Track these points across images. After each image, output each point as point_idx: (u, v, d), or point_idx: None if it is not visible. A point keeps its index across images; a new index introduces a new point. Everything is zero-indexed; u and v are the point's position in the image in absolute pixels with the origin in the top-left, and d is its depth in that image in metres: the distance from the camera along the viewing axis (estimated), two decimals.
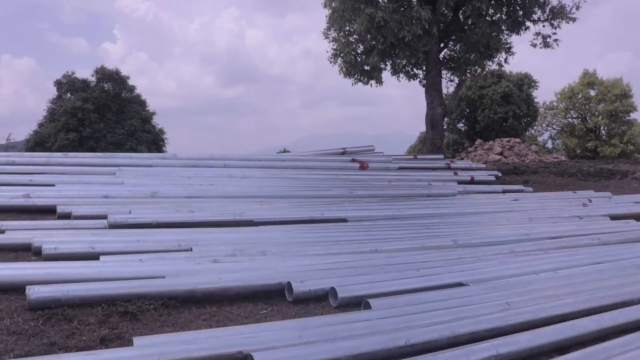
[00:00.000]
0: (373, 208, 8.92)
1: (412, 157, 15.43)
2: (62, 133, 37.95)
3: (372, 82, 17.42)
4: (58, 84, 40.84)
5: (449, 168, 15.14)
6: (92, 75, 41.36)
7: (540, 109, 43.09)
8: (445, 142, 55.53)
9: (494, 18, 16.39)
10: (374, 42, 15.96)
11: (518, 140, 36.59)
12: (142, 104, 44.28)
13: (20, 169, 9.74)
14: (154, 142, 43.67)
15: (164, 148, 45.39)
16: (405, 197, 10.87)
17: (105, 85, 41.57)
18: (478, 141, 36.70)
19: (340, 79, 17.67)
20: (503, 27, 16.39)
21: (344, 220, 7.98)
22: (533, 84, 41.56)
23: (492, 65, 18.73)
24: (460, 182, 13.31)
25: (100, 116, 39.75)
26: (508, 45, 17.68)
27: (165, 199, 8.55)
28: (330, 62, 17.59)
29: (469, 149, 37.59)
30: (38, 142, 38.30)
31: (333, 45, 17.72)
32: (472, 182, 13.89)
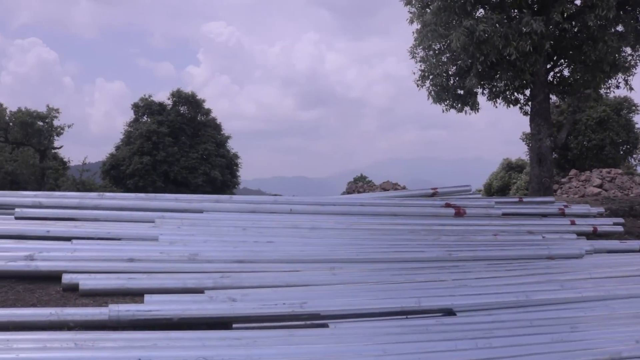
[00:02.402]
0: (487, 288, 6.43)
1: (517, 200, 12.65)
2: (136, 156, 37.66)
3: (467, 108, 14.87)
4: (135, 106, 40.87)
5: (563, 214, 12.23)
6: (169, 99, 41.15)
7: None
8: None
9: (620, 30, 13.46)
10: (470, 61, 13.46)
11: (619, 171, 32.47)
12: (217, 127, 43.61)
13: (43, 214, 8.02)
14: (227, 166, 42.80)
15: (237, 173, 44.46)
16: (519, 261, 8.30)
17: (181, 109, 41.20)
18: (573, 171, 32.91)
19: (419, 102, 15.27)
20: (632, 41, 13.42)
21: (449, 312, 5.56)
22: (634, 108, 37.24)
23: (610, 89, 15.66)
24: (579, 234, 10.52)
25: (175, 140, 39.26)
26: (627, 64, 14.60)
27: (206, 264, 6.48)
28: (418, 86, 15.22)
29: (562, 180, 33.84)
30: (113, 166, 38.23)
31: (420, 65, 15.36)
32: (595, 233, 11.02)
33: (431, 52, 14.98)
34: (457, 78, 14.37)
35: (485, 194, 58.40)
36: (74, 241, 6.62)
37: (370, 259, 7.55)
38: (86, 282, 5.52)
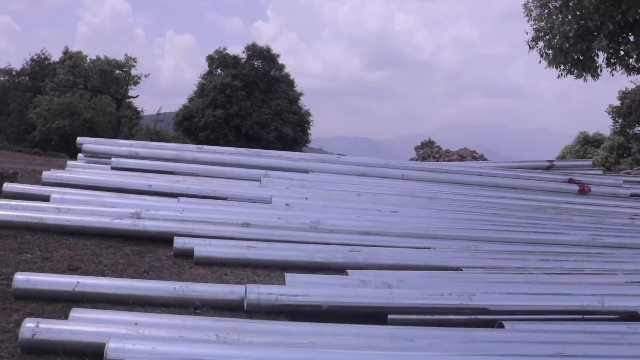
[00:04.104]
0: None
1: None
2: (209, 109, 37.38)
3: (586, 75, 13.18)
4: (210, 59, 40.41)
5: None
6: (243, 52, 40.43)
7: None
8: (609, 144, 48.08)
9: None
10: (601, 21, 11.74)
11: None
12: (290, 83, 42.69)
13: (142, 165, 7.37)
14: (299, 123, 41.99)
15: (308, 131, 43.67)
16: None
17: (255, 63, 40.44)
18: None
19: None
20: None
21: (634, 316, 4.45)
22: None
23: None
24: None
25: (248, 94, 38.66)
26: None
27: (330, 234, 5.61)
28: (529, 47, 13.61)
29: None
30: (186, 117, 38.15)
31: (534, 24, 13.69)
32: None
33: (549, 10, 13.29)
34: (579, 40, 12.65)
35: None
36: (181, 199, 5.86)
37: (508, 239, 6.48)
38: (201, 248, 4.75)
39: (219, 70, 40.19)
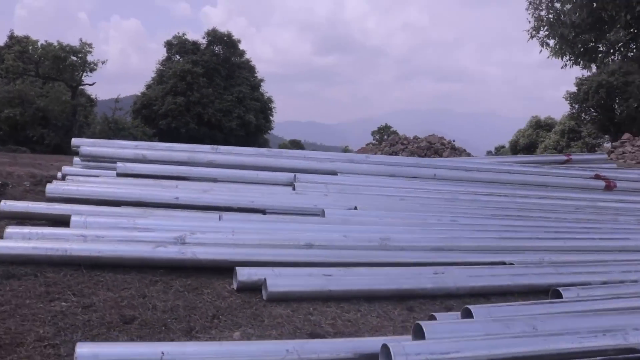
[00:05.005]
0: None
1: None
2: (169, 96, 35.79)
3: (593, 66, 12.78)
4: (168, 44, 38.65)
5: None
6: (203, 38, 38.84)
7: None
8: (560, 128, 49.10)
9: None
10: (616, 11, 11.27)
11: None
12: (252, 69, 41.44)
13: (151, 170, 6.34)
14: (261, 110, 40.88)
15: (271, 117, 42.61)
16: None
17: (216, 49, 38.94)
18: (626, 135, 30.83)
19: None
20: None
21: None
22: None
23: None
24: None
25: (209, 81, 37.21)
26: None
27: (401, 252, 4.82)
28: (530, 36, 13.09)
29: (615, 144, 31.91)
30: (145, 105, 36.41)
31: (535, 13, 13.17)
32: None
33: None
34: (587, 30, 12.14)
35: (511, 151, 56.47)
36: (222, 215, 4.91)
37: (579, 248, 5.84)
38: (274, 281, 3.85)
39: (177, 57, 38.48)
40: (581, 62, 12.74)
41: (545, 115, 46.90)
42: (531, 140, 53.49)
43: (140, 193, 5.30)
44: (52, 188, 5.17)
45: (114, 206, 5.12)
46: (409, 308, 4.12)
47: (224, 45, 39.03)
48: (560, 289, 4.61)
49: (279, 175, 6.74)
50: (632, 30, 11.61)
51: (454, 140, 34.87)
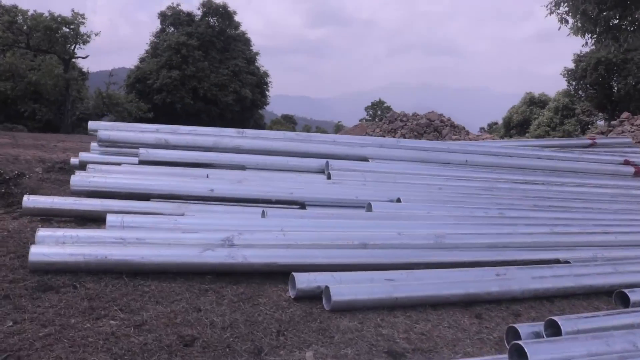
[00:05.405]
0: None
1: None
2: (164, 70, 34.95)
3: (616, 46, 12.33)
4: (162, 16, 37.61)
5: None
6: (198, 9, 37.84)
7: None
8: (554, 105, 48.89)
9: None
10: None
11: None
12: (247, 42, 40.55)
13: (175, 156, 5.93)
14: (257, 85, 40.15)
15: (267, 92, 41.92)
16: None
17: (211, 20, 37.97)
18: (625, 114, 30.59)
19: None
20: None
21: None
22: None
23: None
24: None
25: (205, 54, 36.35)
26: None
27: (457, 251, 4.48)
28: (550, 11, 12.59)
29: (613, 123, 31.75)
30: (139, 79, 35.56)
31: None
32: None
33: None
34: (612, 6, 11.65)
35: (504, 128, 56.22)
36: (267, 211, 4.51)
37: (629, 243, 5.56)
38: (339, 290, 3.50)
39: (172, 29, 37.50)
40: (603, 40, 12.25)
41: (539, 91, 46.57)
42: (525, 117, 53.26)
43: (172, 185, 4.90)
44: (77, 180, 4.74)
45: (143, 199, 4.72)
46: (477, 315, 3.80)
47: (219, 17, 38.07)
48: (626, 291, 4.35)
49: (310, 162, 6.35)
50: None
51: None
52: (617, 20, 11.65)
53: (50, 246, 3.52)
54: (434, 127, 34.23)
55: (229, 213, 4.55)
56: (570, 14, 12.34)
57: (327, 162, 6.23)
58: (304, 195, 5.17)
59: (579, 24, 11.96)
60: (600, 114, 43.38)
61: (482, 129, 62.25)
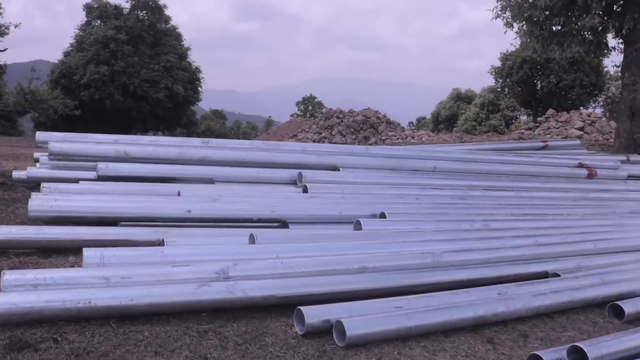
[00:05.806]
0: None
1: (624, 158, 10.84)
2: (91, 65, 33.20)
3: (560, 51, 12.67)
4: (88, 8, 35.69)
5: None
6: (126, 2, 36.21)
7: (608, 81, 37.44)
8: (480, 101, 50.80)
9: None
10: None
11: (599, 115, 31.94)
12: (178, 37, 39.29)
13: (137, 170, 5.43)
14: (189, 81, 39.01)
15: (199, 88, 40.82)
16: None
17: (140, 14, 36.45)
18: (550, 111, 32.23)
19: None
20: None
21: None
22: (607, 51, 36.20)
23: None
24: None
25: (134, 49, 34.86)
26: None
27: (456, 272, 4.31)
28: (496, 15, 12.79)
29: (539, 119, 33.23)
30: (64, 74, 33.61)
31: None
32: None
33: None
34: (559, 12, 11.89)
35: (433, 123, 57.78)
36: (256, 235, 4.15)
37: (607, 250, 5.62)
38: (352, 324, 3.22)
39: (98, 22, 35.66)
40: (551, 46, 12.57)
41: (464, 87, 48.10)
42: (452, 112, 54.90)
43: (145, 206, 4.42)
44: (37, 205, 4.17)
45: (113, 224, 4.24)
46: (489, 340, 3.65)
47: (148, 11, 36.59)
48: (619, 303, 4.37)
49: (281, 173, 6.02)
50: (604, 18, 11.55)
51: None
52: (560, 27, 11.99)
53: (21, 293, 3.02)
54: (371, 123, 34.55)
55: (212, 237, 4.15)
56: (516, 19, 12.59)
57: (300, 174, 5.93)
58: (286, 212, 4.84)
59: (525, 28, 12.22)
60: (524, 109, 45.33)
61: (410, 123, 63.51)
